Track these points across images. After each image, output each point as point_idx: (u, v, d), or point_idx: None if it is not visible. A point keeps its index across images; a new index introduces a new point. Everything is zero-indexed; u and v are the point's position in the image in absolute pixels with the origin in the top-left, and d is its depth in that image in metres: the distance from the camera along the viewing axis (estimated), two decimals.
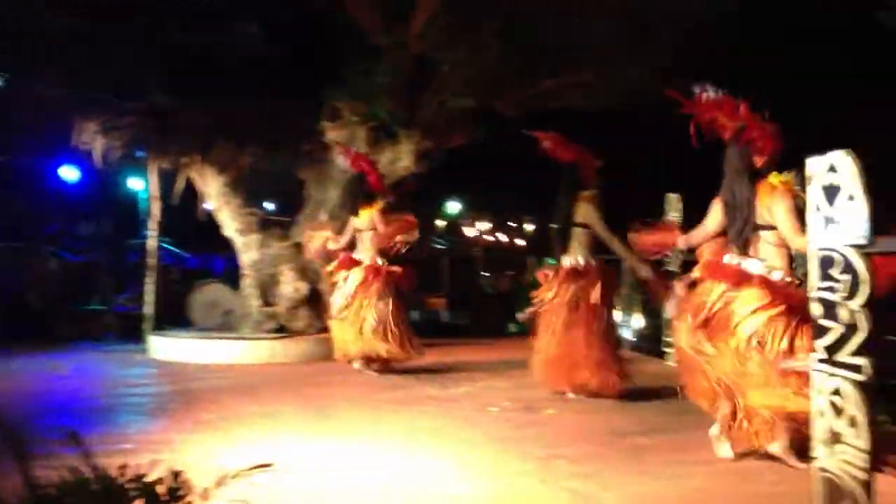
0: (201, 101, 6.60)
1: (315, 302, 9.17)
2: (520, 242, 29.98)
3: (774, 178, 4.42)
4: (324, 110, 9.00)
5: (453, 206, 27.94)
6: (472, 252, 21.73)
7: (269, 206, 14.28)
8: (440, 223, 27.29)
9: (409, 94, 8.73)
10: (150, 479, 2.47)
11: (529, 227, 30.18)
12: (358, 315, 7.35)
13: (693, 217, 8.56)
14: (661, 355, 9.00)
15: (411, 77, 8.65)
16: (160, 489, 2.46)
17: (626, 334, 10.59)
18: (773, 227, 4.35)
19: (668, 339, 8.80)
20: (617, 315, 10.97)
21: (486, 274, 18.47)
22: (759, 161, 4.49)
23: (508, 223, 30.82)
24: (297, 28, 8.69)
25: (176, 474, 2.51)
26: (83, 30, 6.98)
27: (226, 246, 9.88)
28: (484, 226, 29.69)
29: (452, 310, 15.50)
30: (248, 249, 9.22)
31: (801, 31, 11.45)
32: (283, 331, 9.08)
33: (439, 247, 20.91)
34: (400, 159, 8.84)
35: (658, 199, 8.94)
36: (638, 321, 10.29)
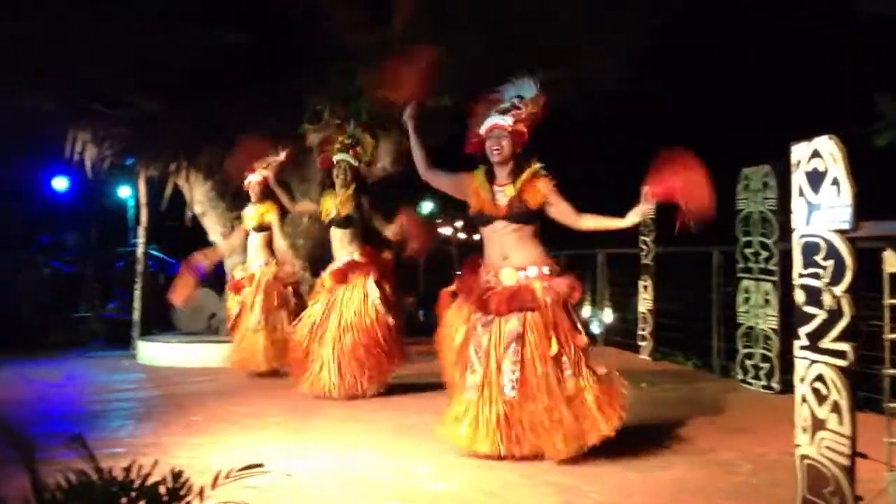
0: (187, 107, 6.68)
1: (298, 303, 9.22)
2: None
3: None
4: (305, 113, 9.07)
5: (427, 206, 27.93)
6: (447, 250, 21.80)
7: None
8: None
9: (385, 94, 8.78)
10: (151, 480, 2.56)
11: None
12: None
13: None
14: (634, 349, 9.16)
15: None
16: (161, 490, 2.55)
17: (596, 329, 10.76)
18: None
19: (641, 333, 8.99)
20: (587, 310, 11.21)
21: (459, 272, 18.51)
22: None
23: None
24: (278, 31, 8.75)
25: (176, 475, 2.59)
26: (70, 39, 7.02)
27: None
28: (458, 224, 29.74)
29: (425, 308, 15.56)
30: (232, 254, 9.26)
31: (776, 20, 11.62)
32: None
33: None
34: (378, 161, 8.92)
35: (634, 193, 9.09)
36: (608, 316, 10.46)
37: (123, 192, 14.37)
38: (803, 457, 3.10)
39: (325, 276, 6.84)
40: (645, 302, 8.96)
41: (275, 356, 7.61)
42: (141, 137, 8.56)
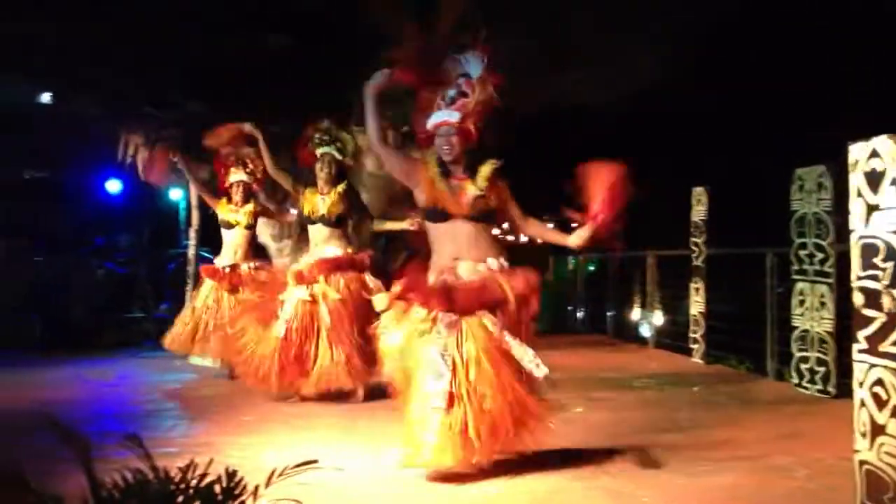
0: (234, 108, 6.76)
1: None
2: (540, 240, 29.94)
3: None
4: (352, 115, 9.12)
5: None
6: None
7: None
8: None
9: None
10: (206, 480, 2.58)
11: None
12: None
13: (720, 211, 8.71)
14: (686, 352, 9.06)
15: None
16: (216, 489, 2.57)
17: (646, 331, 10.67)
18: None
19: (693, 336, 8.88)
20: (636, 312, 11.12)
21: None
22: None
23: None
24: (323, 34, 8.82)
25: (231, 475, 2.61)
26: (121, 43, 7.15)
27: (262, 252, 10.02)
28: (504, 225, 29.74)
29: None
30: (281, 255, 9.35)
31: (828, 15, 11.42)
32: None
33: None
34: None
35: (685, 194, 8.99)
36: (658, 318, 10.35)
37: (175, 194, 14.58)
38: (862, 462, 3.04)
39: (303, 268, 6.47)
40: (696, 304, 8.84)
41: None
42: (190, 139, 8.69)
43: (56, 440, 2.66)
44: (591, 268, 14.50)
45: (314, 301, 6.28)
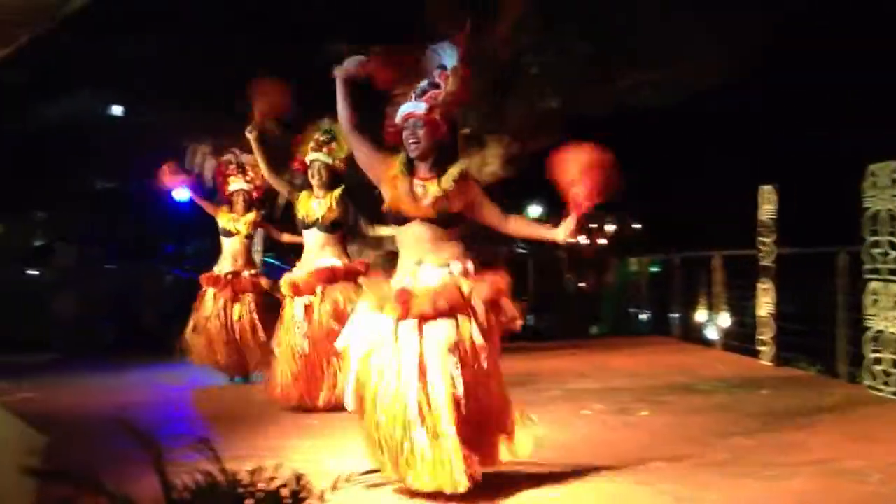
0: (301, 116, 6.84)
1: None
2: (602, 242, 29.72)
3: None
4: None
5: (534, 210, 27.87)
6: (557, 254, 21.64)
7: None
8: None
9: (495, 98, 8.85)
10: (274, 483, 2.63)
11: (610, 228, 29.92)
12: None
13: (789, 209, 8.54)
14: (754, 353, 8.89)
15: (498, 82, 8.78)
16: (283, 493, 2.62)
17: (713, 333, 10.50)
18: None
19: (761, 338, 8.71)
20: (702, 314, 10.96)
21: (569, 276, 18.39)
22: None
23: (590, 224, 30.56)
24: (383, 37, 8.89)
25: (298, 478, 2.66)
26: (189, 53, 7.29)
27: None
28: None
29: (536, 313, 15.48)
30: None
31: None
32: None
33: (523, 251, 20.89)
34: (488, 164, 8.97)
35: (752, 193, 8.85)
36: (725, 319, 10.18)
37: None
38: None
39: (299, 278, 6.38)
40: (765, 305, 8.67)
41: None
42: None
43: (129, 443, 2.74)
44: (655, 269, 14.33)
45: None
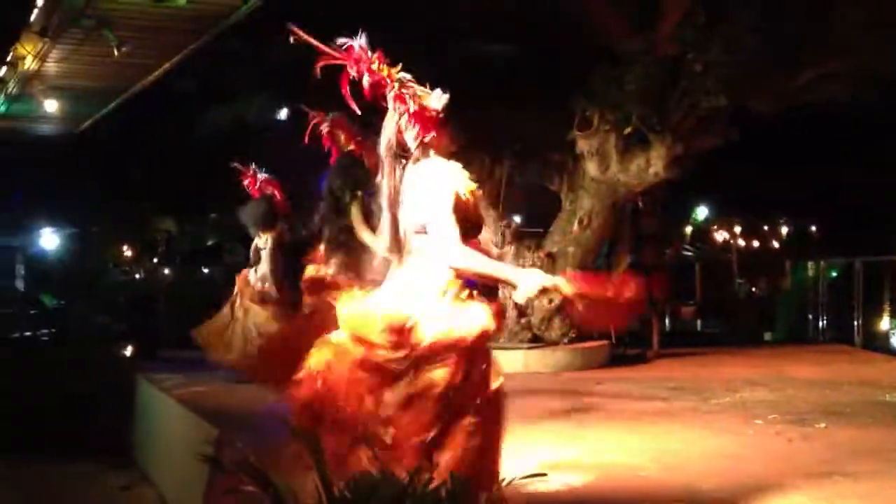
0: (458, 115, 6.90)
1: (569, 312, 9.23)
2: (775, 245, 28.48)
3: None
4: (575, 119, 9.09)
5: (701, 212, 27.07)
6: (724, 258, 20.95)
7: (516, 218, 14.56)
8: (688, 229, 26.52)
9: (659, 98, 8.64)
10: (433, 484, 2.61)
11: (784, 230, 28.64)
12: None
13: None
14: None
15: (661, 80, 8.57)
16: (442, 493, 2.59)
17: None
18: None
19: None
20: (885, 321, 10.28)
21: (741, 280, 17.76)
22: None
23: (762, 225, 29.35)
24: (544, 38, 8.85)
25: (456, 479, 2.63)
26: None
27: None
28: (735, 229, 28.53)
29: (704, 318, 15.03)
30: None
31: None
32: (536, 341, 9.19)
33: (689, 254, 20.34)
34: (651, 166, 8.75)
35: None
36: None
37: None
38: None
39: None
40: None
41: None
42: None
43: (292, 440, 2.80)
44: (833, 273, 13.59)
45: None
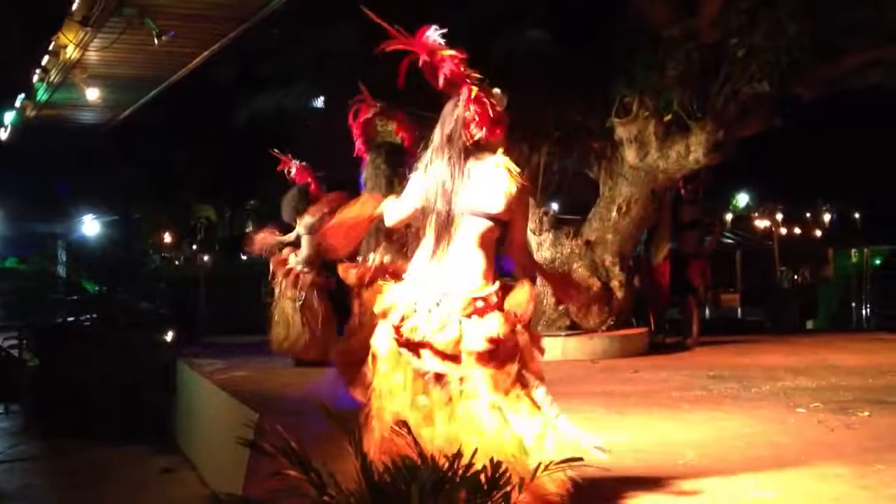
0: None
1: (607, 300, 9.18)
2: (817, 233, 28.08)
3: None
4: (614, 106, 9.01)
5: (742, 199, 26.81)
6: (766, 245, 20.72)
7: (554, 205, 14.49)
8: (729, 217, 26.25)
9: (700, 84, 8.54)
10: (472, 469, 2.61)
11: (827, 217, 28.23)
12: None
13: None
14: None
15: (702, 66, 8.47)
16: (481, 478, 2.60)
17: None
18: None
19: None
20: None
21: (783, 268, 17.54)
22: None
23: (804, 212, 28.95)
24: (583, 23, 8.78)
25: (496, 466, 2.63)
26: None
27: None
28: (777, 217, 28.20)
29: (746, 306, 14.87)
30: (540, 248, 9.41)
31: None
32: (574, 328, 9.15)
33: (730, 241, 20.13)
34: (691, 152, 8.65)
35: None
36: None
37: None
38: None
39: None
40: None
41: None
42: None
43: (332, 425, 2.82)
44: (878, 261, 13.36)
45: None
